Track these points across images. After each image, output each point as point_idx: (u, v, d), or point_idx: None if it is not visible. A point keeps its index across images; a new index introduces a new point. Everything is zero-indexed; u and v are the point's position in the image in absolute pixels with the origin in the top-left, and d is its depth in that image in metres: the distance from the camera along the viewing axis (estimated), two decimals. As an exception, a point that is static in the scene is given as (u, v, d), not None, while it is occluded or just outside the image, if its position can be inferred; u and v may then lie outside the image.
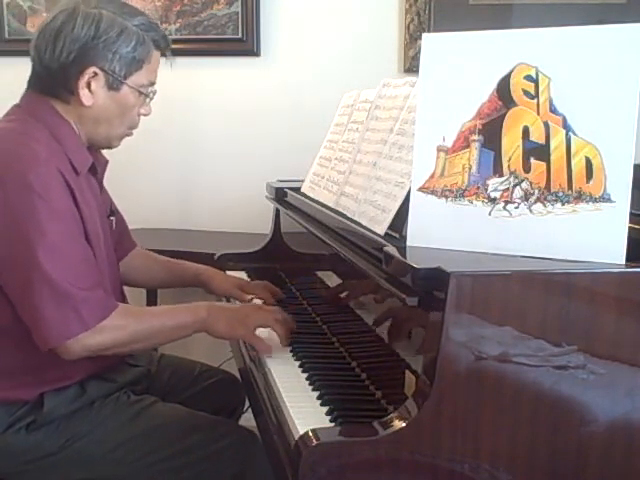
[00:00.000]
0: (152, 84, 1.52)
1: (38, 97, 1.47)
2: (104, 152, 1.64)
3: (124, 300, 1.67)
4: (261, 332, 1.49)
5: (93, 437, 1.46)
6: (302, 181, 1.88)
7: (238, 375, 1.65)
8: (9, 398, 1.44)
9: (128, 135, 1.56)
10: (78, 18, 1.41)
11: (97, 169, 1.57)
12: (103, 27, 1.41)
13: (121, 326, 1.39)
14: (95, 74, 1.42)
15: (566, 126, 1.08)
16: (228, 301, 1.80)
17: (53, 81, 1.44)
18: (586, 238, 1.07)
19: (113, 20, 1.42)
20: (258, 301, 1.74)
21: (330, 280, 1.66)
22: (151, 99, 1.53)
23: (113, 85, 1.45)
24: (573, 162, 1.08)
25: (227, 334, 1.49)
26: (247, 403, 1.62)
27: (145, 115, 1.54)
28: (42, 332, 1.33)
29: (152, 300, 2.48)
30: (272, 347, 1.45)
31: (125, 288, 1.74)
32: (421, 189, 1.18)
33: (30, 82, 1.50)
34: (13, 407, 1.44)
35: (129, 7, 1.49)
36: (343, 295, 1.58)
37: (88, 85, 1.43)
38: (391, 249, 1.15)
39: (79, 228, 1.41)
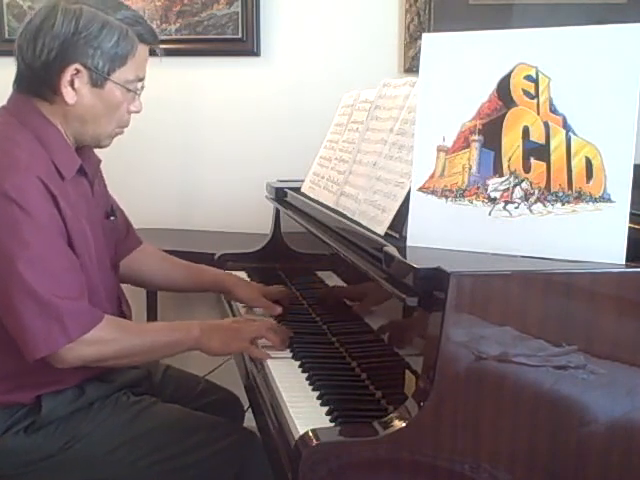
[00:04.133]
0: (140, 79, 1.47)
1: (23, 98, 1.44)
2: (97, 151, 1.60)
3: (121, 305, 1.64)
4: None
5: (93, 438, 1.45)
6: (302, 181, 1.88)
7: (238, 376, 1.65)
8: (7, 401, 1.43)
9: (118, 134, 1.51)
10: (58, 14, 1.38)
11: (86, 171, 1.51)
12: (83, 22, 1.37)
13: (110, 339, 1.38)
14: (78, 71, 1.39)
15: (566, 126, 1.08)
16: (251, 309, 1.79)
17: (36, 80, 1.41)
18: (586, 238, 1.07)
19: (94, 15, 1.38)
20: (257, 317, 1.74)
21: (330, 280, 1.66)
22: (138, 95, 1.48)
23: (97, 82, 1.40)
24: (573, 162, 1.08)
25: (221, 351, 1.49)
26: (247, 404, 1.62)
27: (136, 112, 1.49)
28: (27, 344, 1.32)
29: (152, 301, 2.48)
30: (270, 353, 1.46)
31: (126, 288, 1.73)
32: (421, 189, 1.18)
33: (15, 82, 1.46)
34: (11, 410, 1.44)
35: (112, 1, 1.44)
36: (343, 295, 1.58)
37: (71, 83, 1.39)
38: (391, 249, 1.15)
39: (62, 236, 1.37)
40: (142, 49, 1.45)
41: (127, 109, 1.47)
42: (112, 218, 1.65)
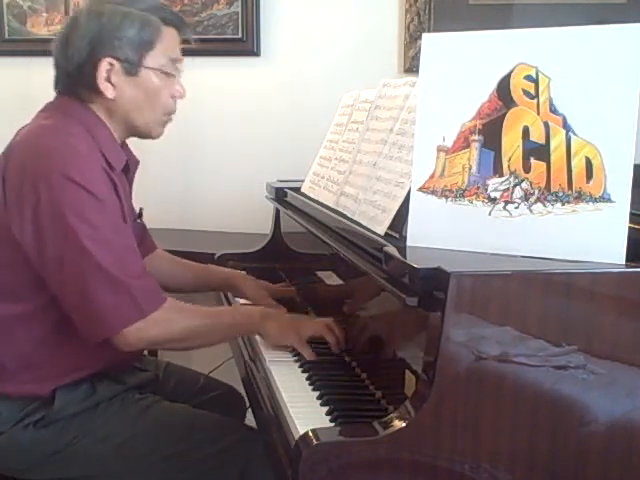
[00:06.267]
0: (174, 61, 1.50)
1: (68, 99, 1.49)
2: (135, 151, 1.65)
3: None
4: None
5: (99, 434, 1.46)
6: (302, 181, 1.88)
7: (238, 375, 1.65)
8: (22, 393, 1.45)
9: (167, 122, 1.55)
10: (81, 17, 1.45)
11: (129, 168, 1.58)
12: (105, 18, 1.43)
13: (176, 319, 1.41)
14: (111, 65, 1.44)
15: (566, 126, 1.08)
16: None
17: (75, 84, 1.47)
18: (586, 238, 1.07)
19: (114, 9, 1.44)
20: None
21: (330, 280, 1.66)
22: (174, 76, 1.50)
23: (131, 71, 1.45)
24: (573, 162, 1.08)
25: (279, 339, 1.50)
26: (248, 402, 1.62)
27: (179, 97, 1.53)
28: (99, 322, 1.35)
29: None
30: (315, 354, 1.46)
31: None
32: (421, 189, 1.18)
33: (56, 89, 1.52)
34: (24, 403, 1.45)
35: None
36: (343, 295, 1.58)
37: (108, 79, 1.44)
38: (391, 249, 1.15)
39: (122, 219, 1.43)
40: (168, 31, 1.49)
41: (170, 94, 1.51)
42: (138, 221, 1.70)
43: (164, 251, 1.88)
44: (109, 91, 1.45)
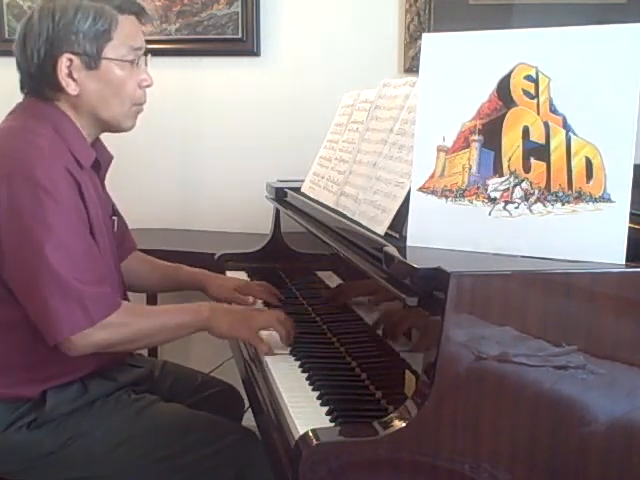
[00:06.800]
0: (136, 49, 1.47)
1: (34, 99, 1.48)
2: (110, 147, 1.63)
3: (126, 299, 1.66)
4: (261, 333, 1.50)
5: (94, 435, 1.46)
6: (302, 181, 1.88)
7: (238, 375, 1.65)
8: (12, 395, 1.45)
9: (139, 112, 1.52)
10: (34, 16, 1.43)
11: (101, 165, 1.57)
12: (58, 14, 1.41)
13: (125, 323, 1.41)
14: (70, 61, 1.42)
15: (566, 126, 1.08)
16: (229, 304, 1.79)
17: (38, 84, 1.46)
18: (586, 238, 1.07)
19: (66, 4, 1.42)
20: (260, 304, 1.75)
21: (330, 280, 1.66)
22: (137, 64, 1.48)
23: (91, 65, 1.43)
24: (573, 162, 1.08)
25: (229, 334, 1.51)
26: (247, 403, 1.62)
27: (147, 86, 1.50)
28: (49, 326, 1.34)
29: (151, 301, 2.47)
30: (272, 348, 1.46)
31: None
32: (421, 189, 1.18)
33: (22, 91, 1.51)
34: (15, 405, 1.45)
35: None
36: (343, 295, 1.58)
37: (69, 75, 1.43)
38: (391, 249, 1.15)
39: (84, 223, 1.41)
40: (125, 19, 1.46)
41: (137, 84, 1.49)
42: (114, 218, 1.67)
43: (139, 253, 1.86)
44: (71, 87, 1.43)
